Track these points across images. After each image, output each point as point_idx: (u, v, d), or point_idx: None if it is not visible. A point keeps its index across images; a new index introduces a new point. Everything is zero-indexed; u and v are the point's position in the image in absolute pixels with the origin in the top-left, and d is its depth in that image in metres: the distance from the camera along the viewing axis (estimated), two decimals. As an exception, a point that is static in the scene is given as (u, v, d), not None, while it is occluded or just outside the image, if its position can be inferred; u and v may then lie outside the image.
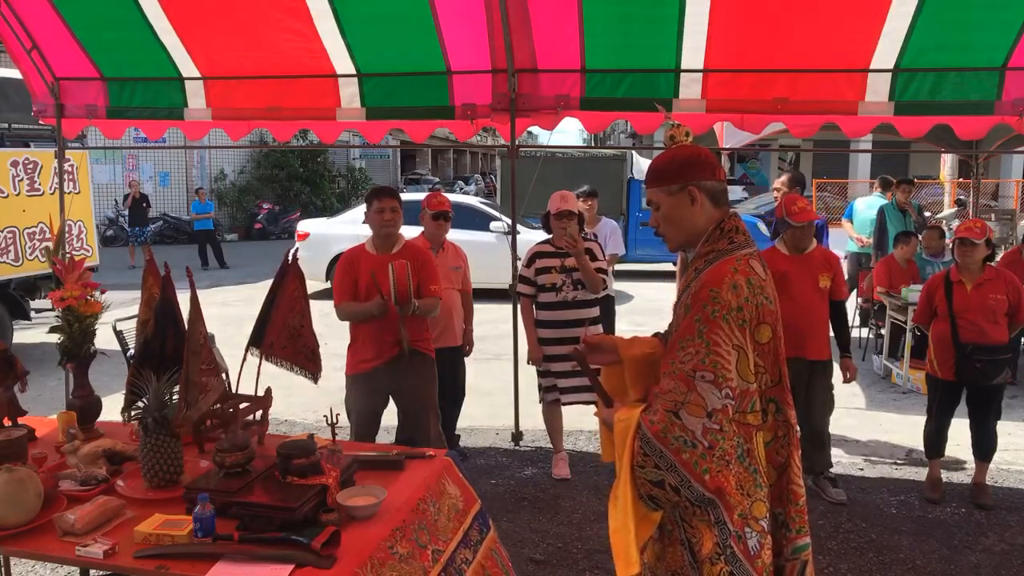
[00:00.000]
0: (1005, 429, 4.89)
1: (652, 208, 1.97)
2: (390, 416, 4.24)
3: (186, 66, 5.18)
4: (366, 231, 4.09)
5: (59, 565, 3.48)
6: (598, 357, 2.11)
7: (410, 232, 4.29)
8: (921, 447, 4.70)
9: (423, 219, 4.72)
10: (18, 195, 7.41)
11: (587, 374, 2.08)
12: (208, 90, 5.28)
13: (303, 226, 11.93)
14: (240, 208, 22.33)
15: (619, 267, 6.68)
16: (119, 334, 5.08)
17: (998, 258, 5.95)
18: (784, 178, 5.65)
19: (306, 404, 6.00)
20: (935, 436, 4.53)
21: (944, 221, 11.74)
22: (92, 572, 2.92)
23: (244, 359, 2.86)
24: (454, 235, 4.90)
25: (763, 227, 11.27)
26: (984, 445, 4.45)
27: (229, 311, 9.96)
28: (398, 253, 3.93)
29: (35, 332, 7.68)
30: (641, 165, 14.24)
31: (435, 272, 4.04)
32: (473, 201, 12.52)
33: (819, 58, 4.48)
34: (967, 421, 4.52)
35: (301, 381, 3.17)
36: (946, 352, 4.41)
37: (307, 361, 3.10)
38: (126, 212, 16.16)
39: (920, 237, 7.48)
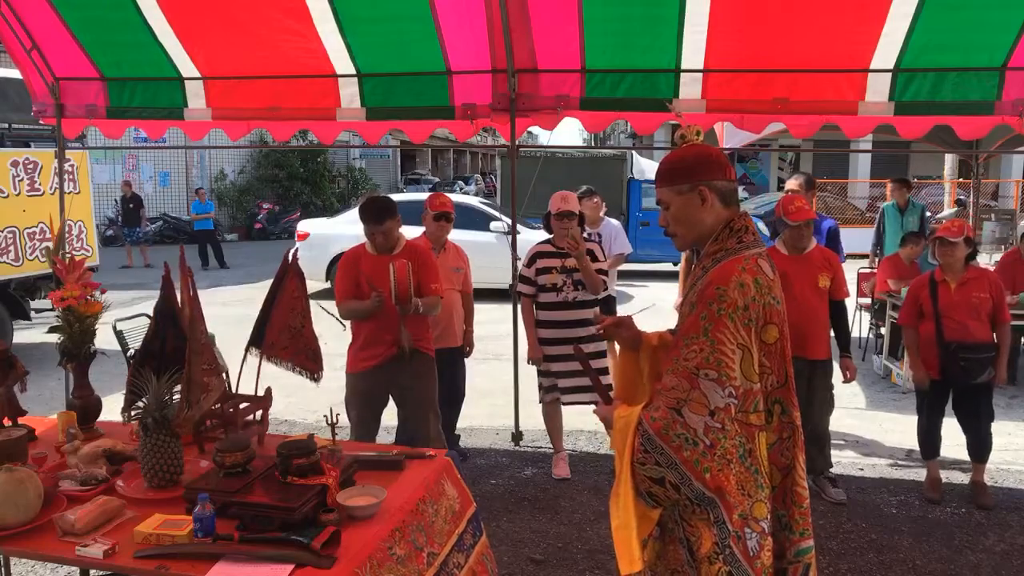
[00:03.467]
0: (1005, 429, 4.89)
1: (662, 207, 1.95)
2: (390, 416, 4.24)
3: (186, 66, 5.18)
4: (367, 230, 4.08)
5: (59, 565, 3.48)
6: (620, 332, 2.10)
7: (411, 232, 4.29)
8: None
9: (425, 219, 4.71)
10: (18, 195, 7.41)
11: (588, 373, 2.08)
12: (208, 90, 5.28)
13: (303, 226, 11.94)
14: (240, 208, 22.35)
15: (619, 267, 6.66)
16: (119, 334, 5.08)
17: (996, 257, 5.94)
18: (801, 180, 5.24)
19: (306, 404, 5.99)
20: (928, 435, 4.53)
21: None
22: (92, 572, 2.92)
23: (244, 359, 2.86)
24: (454, 235, 4.90)
25: (762, 227, 11.26)
26: (978, 448, 4.44)
27: (229, 311, 9.95)
28: (399, 254, 3.93)
29: (35, 332, 7.68)
30: (641, 165, 14.24)
31: (436, 271, 4.04)
32: (473, 201, 12.52)
33: (819, 58, 4.48)
34: (966, 422, 4.52)
35: (301, 381, 3.16)
36: (931, 351, 4.42)
37: (308, 361, 3.10)
38: (120, 213, 16.23)
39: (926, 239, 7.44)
